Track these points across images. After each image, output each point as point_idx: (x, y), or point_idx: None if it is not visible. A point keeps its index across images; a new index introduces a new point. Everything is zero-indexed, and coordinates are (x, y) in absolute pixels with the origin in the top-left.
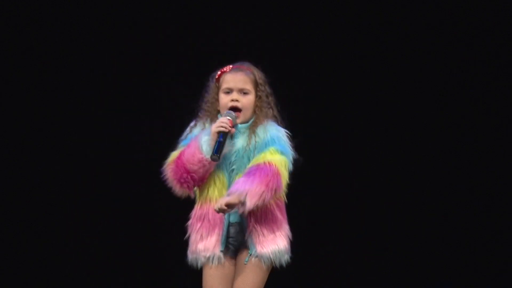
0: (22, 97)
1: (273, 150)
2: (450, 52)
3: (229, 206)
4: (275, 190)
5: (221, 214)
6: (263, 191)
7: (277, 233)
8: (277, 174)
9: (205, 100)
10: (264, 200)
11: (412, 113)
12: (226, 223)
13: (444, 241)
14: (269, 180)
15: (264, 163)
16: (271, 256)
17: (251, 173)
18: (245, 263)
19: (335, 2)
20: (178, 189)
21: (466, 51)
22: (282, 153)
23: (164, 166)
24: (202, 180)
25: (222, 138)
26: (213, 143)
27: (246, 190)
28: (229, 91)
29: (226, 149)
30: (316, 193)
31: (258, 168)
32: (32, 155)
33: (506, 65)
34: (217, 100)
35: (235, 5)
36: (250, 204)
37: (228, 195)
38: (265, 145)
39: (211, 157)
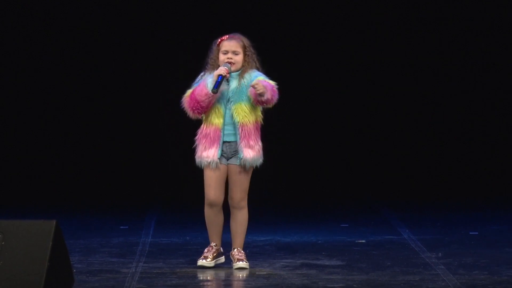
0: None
1: (263, 78)
2: None
3: (260, 88)
4: (274, 99)
5: (218, 133)
6: (272, 99)
7: (256, 146)
8: (275, 90)
9: (209, 57)
10: (268, 103)
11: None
12: (221, 141)
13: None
14: (274, 92)
15: (268, 82)
16: (251, 160)
17: (268, 85)
18: (238, 164)
19: None
20: (192, 114)
21: None
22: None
23: (182, 99)
24: (207, 108)
25: (220, 79)
26: (214, 82)
27: (268, 95)
28: (226, 52)
29: (223, 88)
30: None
31: (269, 84)
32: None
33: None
34: (218, 58)
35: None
36: (264, 99)
37: (262, 85)
38: (254, 79)
39: (212, 90)
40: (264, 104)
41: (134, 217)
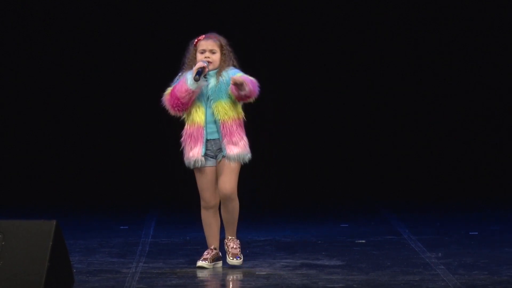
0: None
1: (241, 74)
2: None
3: (239, 83)
4: (255, 92)
5: (201, 131)
6: (253, 91)
7: (240, 142)
8: (254, 82)
9: (187, 58)
10: (250, 96)
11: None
12: (204, 139)
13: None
14: (254, 83)
15: (246, 76)
16: (235, 156)
17: (248, 79)
18: (219, 160)
19: None
20: (172, 112)
21: None
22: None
23: (162, 97)
24: (187, 104)
25: (201, 70)
26: (194, 75)
27: (250, 86)
28: (203, 51)
29: (202, 83)
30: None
31: (247, 77)
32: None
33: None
34: (195, 58)
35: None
36: (246, 93)
37: (242, 79)
38: (232, 75)
39: (193, 77)
40: (247, 99)
41: (134, 217)
